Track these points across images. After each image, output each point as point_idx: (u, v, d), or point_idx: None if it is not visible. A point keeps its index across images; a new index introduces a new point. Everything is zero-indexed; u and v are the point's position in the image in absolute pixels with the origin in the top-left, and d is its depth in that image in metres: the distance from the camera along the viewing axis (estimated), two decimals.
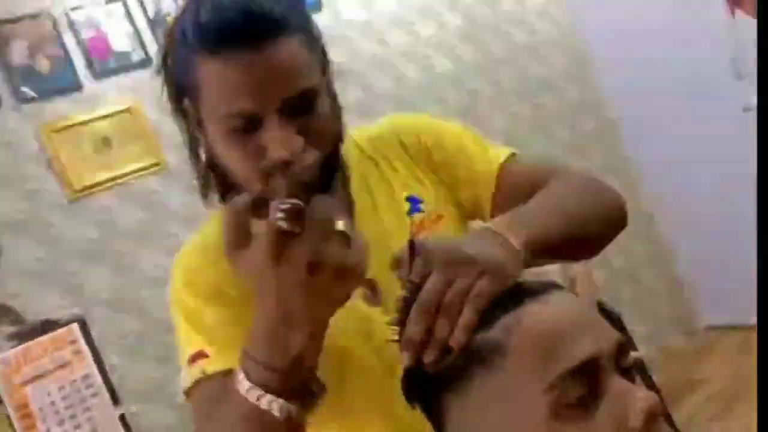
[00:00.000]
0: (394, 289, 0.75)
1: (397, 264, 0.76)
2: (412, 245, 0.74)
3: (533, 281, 0.73)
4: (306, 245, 0.67)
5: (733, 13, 3.34)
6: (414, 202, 1.04)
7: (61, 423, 2.26)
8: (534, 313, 0.68)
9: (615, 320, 2.32)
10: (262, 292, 0.72)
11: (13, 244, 2.35)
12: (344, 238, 0.69)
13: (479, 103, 3.49)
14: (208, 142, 0.94)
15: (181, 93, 0.92)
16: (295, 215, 0.67)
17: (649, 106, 3.67)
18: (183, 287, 0.98)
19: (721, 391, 3.28)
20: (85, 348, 2.33)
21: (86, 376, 2.32)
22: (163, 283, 1.03)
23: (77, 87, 2.52)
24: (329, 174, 0.95)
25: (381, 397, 0.94)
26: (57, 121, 2.47)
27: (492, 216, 1.04)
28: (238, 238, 0.71)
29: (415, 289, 0.71)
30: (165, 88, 0.94)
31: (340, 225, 0.69)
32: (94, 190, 2.50)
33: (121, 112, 2.57)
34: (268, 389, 0.72)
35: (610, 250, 1.04)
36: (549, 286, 0.71)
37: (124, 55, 2.62)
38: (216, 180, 0.98)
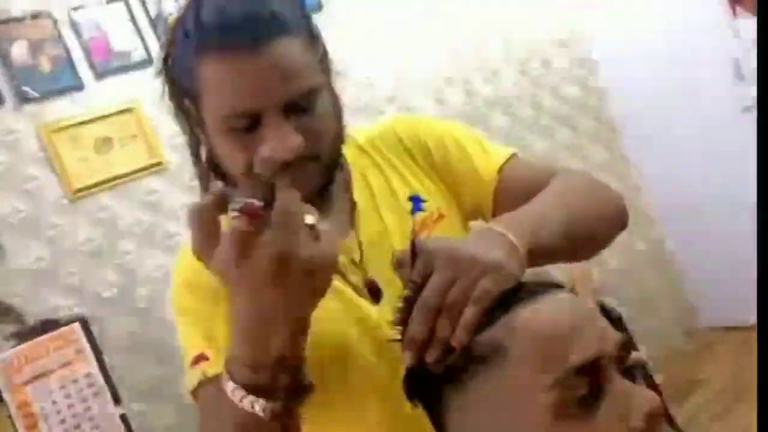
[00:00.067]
0: (396, 289, 0.76)
1: (399, 264, 0.76)
2: (414, 245, 0.74)
3: (535, 281, 0.73)
4: (271, 242, 0.66)
5: (734, 11, 3.34)
6: (416, 201, 1.04)
7: (62, 422, 2.26)
8: (536, 313, 0.68)
9: (616, 320, 2.32)
10: (234, 292, 0.70)
11: (15, 244, 2.35)
12: (313, 231, 0.68)
13: (481, 104, 3.49)
14: (209, 142, 0.94)
15: (182, 93, 0.92)
16: (252, 214, 0.66)
17: (649, 106, 3.67)
18: (183, 288, 0.99)
19: (722, 391, 3.28)
20: (86, 347, 2.34)
21: (87, 376, 2.32)
22: (164, 283, 1.03)
23: (78, 87, 2.53)
24: (330, 174, 0.95)
25: (383, 397, 0.94)
26: (58, 121, 2.47)
27: (493, 216, 1.04)
28: (207, 237, 0.70)
29: (417, 288, 0.72)
30: (166, 88, 0.94)
31: (309, 219, 0.68)
32: (95, 189, 2.50)
33: (122, 112, 2.57)
34: (252, 389, 0.72)
35: (611, 250, 1.04)
36: (550, 286, 0.72)
37: (126, 55, 2.62)
38: (217, 179, 0.98)
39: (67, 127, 2.48)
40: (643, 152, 3.84)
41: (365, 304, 0.96)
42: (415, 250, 0.74)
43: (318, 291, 0.71)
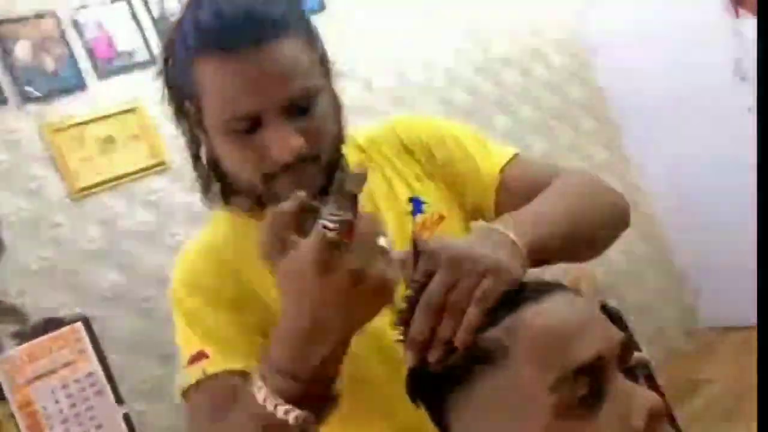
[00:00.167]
0: (397, 290, 0.76)
1: (401, 264, 0.76)
2: (416, 245, 0.75)
3: (536, 281, 0.73)
4: (353, 257, 0.68)
5: (736, 13, 3.34)
6: (417, 203, 1.04)
7: (64, 422, 2.26)
8: (538, 313, 0.68)
9: (617, 320, 2.32)
10: (298, 300, 0.71)
11: (17, 243, 2.35)
12: (385, 253, 0.70)
13: (482, 104, 3.49)
14: (209, 144, 0.94)
15: (182, 95, 0.92)
16: (345, 227, 0.68)
17: (651, 106, 3.67)
18: (183, 289, 0.99)
19: (724, 392, 3.28)
20: (88, 347, 2.34)
21: (90, 375, 2.33)
22: (166, 283, 1.03)
23: (82, 87, 2.53)
24: (330, 175, 0.95)
25: (385, 397, 0.94)
26: (61, 121, 2.47)
27: (495, 216, 1.04)
28: (279, 243, 0.71)
29: (419, 288, 0.72)
30: (165, 90, 0.94)
31: (383, 241, 0.70)
32: (97, 189, 2.50)
33: (125, 111, 2.57)
34: (286, 397, 0.72)
35: (612, 250, 1.04)
36: (552, 287, 0.72)
37: (129, 54, 2.63)
38: (217, 181, 0.98)
39: (70, 127, 2.48)
40: (645, 152, 3.84)
41: None
42: (417, 250, 0.74)
43: (376, 311, 0.73)
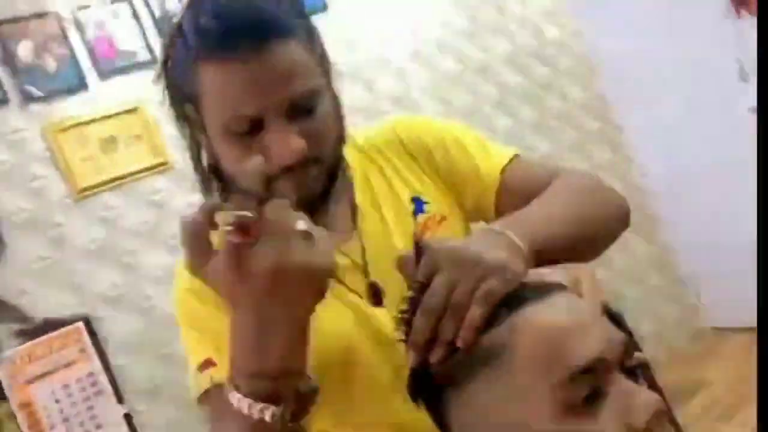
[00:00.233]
0: (399, 290, 0.76)
1: (403, 264, 0.76)
2: (418, 245, 0.75)
3: (537, 282, 0.73)
4: (264, 252, 0.66)
5: (738, 13, 3.33)
6: (418, 203, 1.04)
7: (65, 421, 2.27)
8: (539, 314, 0.68)
9: (618, 321, 2.32)
10: (232, 304, 0.70)
11: (19, 243, 2.36)
12: (307, 236, 0.68)
13: (483, 104, 3.49)
14: (210, 146, 0.94)
15: (183, 98, 0.92)
16: (242, 226, 0.66)
17: (652, 107, 3.67)
18: (187, 292, 0.98)
19: (725, 393, 3.28)
20: (89, 347, 2.34)
21: (91, 375, 2.33)
22: (168, 282, 1.03)
23: (83, 86, 2.54)
24: (332, 176, 0.95)
25: (386, 398, 0.94)
26: (63, 121, 2.48)
27: (496, 217, 1.04)
28: (200, 253, 0.69)
29: (421, 288, 0.72)
30: (166, 93, 0.94)
31: (301, 225, 0.68)
32: (99, 189, 2.51)
33: (127, 111, 2.58)
34: (258, 397, 0.71)
35: (613, 250, 1.04)
36: (553, 287, 0.72)
37: (130, 54, 2.63)
38: (218, 183, 0.98)
39: (72, 127, 2.49)
40: (647, 153, 3.84)
41: (368, 306, 0.96)
42: (419, 250, 0.74)
43: (315, 296, 0.70)
